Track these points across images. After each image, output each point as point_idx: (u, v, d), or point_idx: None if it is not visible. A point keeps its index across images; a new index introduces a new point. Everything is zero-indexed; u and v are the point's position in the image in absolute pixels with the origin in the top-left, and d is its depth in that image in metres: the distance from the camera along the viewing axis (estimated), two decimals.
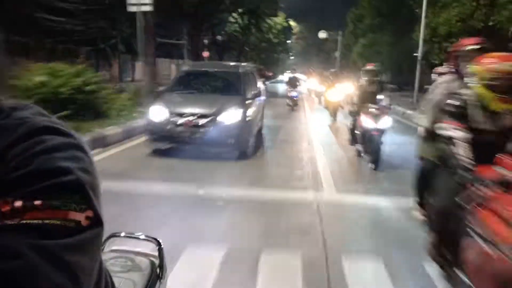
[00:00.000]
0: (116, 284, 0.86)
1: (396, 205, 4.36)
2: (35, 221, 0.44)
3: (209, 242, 3.31)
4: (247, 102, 6.96)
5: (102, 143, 6.84)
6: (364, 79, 6.91)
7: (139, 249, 1.08)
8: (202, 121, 6.27)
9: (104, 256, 1.00)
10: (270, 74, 48.65)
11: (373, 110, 6.14)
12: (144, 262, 1.04)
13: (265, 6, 28.10)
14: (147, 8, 10.51)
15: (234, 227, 3.73)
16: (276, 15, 35.61)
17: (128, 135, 7.74)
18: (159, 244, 1.08)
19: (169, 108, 6.46)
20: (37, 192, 0.46)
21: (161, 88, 8.40)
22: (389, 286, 2.74)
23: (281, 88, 25.40)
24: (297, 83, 16.04)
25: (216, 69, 8.18)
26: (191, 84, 7.43)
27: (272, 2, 30.83)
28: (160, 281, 1.05)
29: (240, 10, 27.71)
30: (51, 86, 7.53)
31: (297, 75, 18.62)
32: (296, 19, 58.52)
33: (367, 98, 6.53)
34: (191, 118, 6.27)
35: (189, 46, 23.46)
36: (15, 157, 0.47)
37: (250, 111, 6.91)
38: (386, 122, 6.11)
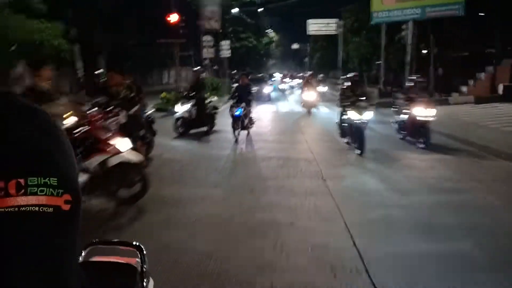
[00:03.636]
0: None
1: None
2: (10, 209, 0.41)
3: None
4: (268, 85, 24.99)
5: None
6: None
7: (120, 258, 1.00)
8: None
9: (82, 269, 0.90)
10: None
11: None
12: (124, 273, 0.96)
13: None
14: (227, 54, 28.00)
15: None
16: (264, 37, 53.23)
17: None
18: (141, 250, 1.01)
19: None
20: (11, 177, 0.42)
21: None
22: None
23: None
24: (250, 93, 10.28)
25: (258, 75, 26.35)
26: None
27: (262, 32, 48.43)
28: None
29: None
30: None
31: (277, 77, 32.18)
32: (276, 30, 76.22)
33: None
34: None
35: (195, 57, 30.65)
36: None
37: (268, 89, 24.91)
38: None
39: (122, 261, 0.96)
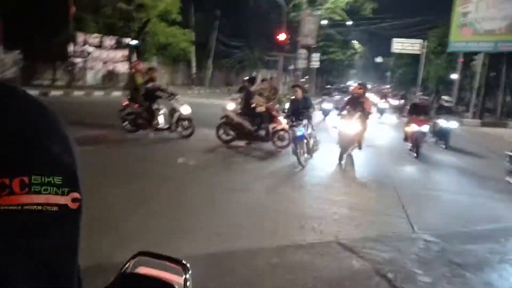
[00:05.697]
0: None
1: None
2: (13, 207, 0.41)
3: None
4: None
5: None
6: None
7: (165, 273, 1.02)
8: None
9: (125, 279, 1.00)
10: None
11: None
12: None
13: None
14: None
15: None
16: (349, 48, 56.61)
17: None
18: (186, 269, 1.00)
19: None
20: (16, 174, 0.42)
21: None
22: None
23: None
24: (305, 112, 8.32)
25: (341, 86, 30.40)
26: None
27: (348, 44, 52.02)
28: None
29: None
30: None
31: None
32: (361, 42, 78.89)
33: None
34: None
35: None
36: None
37: None
38: None
39: (166, 278, 0.97)
